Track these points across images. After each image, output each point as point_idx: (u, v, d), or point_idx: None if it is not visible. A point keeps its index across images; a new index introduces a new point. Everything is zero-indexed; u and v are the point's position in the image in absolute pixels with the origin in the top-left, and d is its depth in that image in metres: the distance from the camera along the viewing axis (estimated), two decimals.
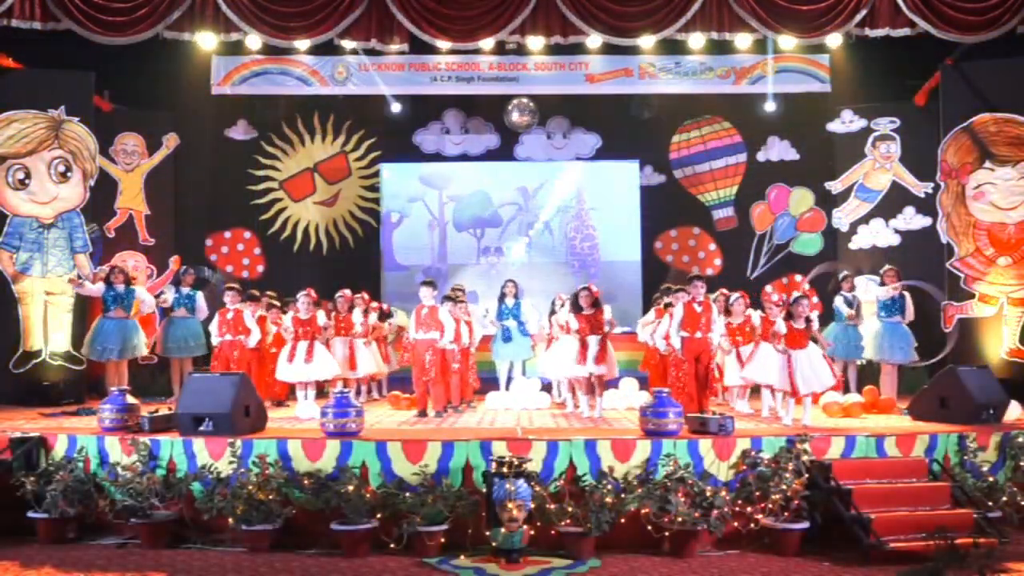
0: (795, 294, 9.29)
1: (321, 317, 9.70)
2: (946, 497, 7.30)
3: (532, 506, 6.86)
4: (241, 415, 7.69)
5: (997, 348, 11.32)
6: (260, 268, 14.17)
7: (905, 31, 10.72)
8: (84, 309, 11.44)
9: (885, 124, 13.10)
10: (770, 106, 13.45)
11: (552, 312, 10.75)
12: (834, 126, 13.42)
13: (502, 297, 11.22)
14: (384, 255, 14.36)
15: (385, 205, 14.40)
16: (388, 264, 14.34)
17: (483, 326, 11.03)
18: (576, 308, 9.53)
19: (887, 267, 11.01)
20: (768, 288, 10.34)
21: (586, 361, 9.41)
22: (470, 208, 14.50)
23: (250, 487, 7.04)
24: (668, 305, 9.77)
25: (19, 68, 11.39)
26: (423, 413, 9.46)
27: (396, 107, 13.63)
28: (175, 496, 7.26)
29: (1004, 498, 7.46)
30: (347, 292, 10.29)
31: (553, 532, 6.96)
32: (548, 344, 10.78)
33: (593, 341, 9.45)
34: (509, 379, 11.15)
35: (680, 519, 6.86)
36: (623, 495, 7.04)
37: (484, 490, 7.05)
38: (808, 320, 8.64)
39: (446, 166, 14.46)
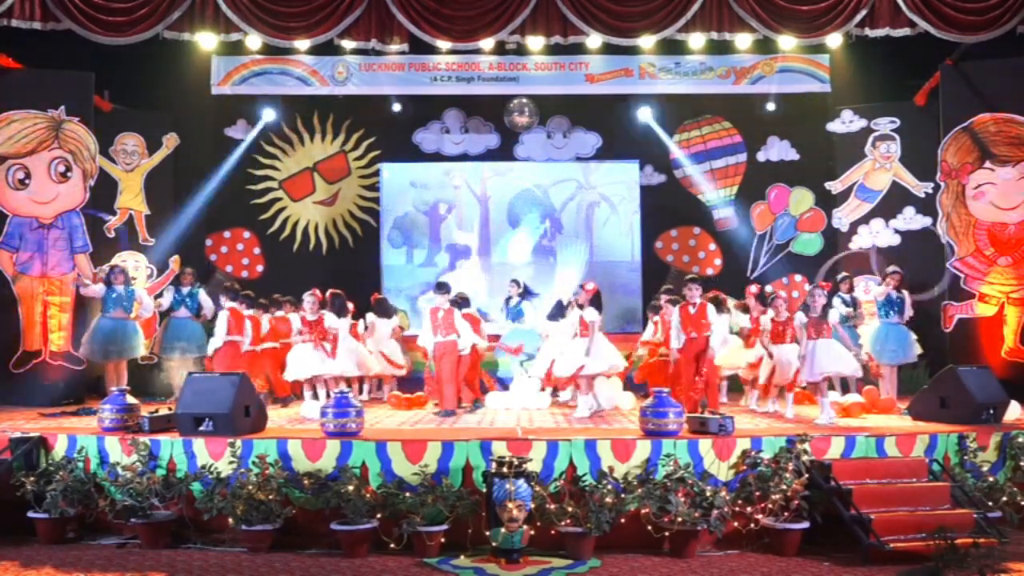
0: (807, 286, 9.38)
1: (330, 319, 9.73)
2: (946, 497, 7.30)
3: (532, 506, 6.87)
4: (241, 415, 7.70)
5: (997, 348, 11.32)
6: (260, 268, 14.17)
7: (905, 31, 10.72)
8: (84, 309, 11.43)
9: (885, 124, 13.10)
10: (771, 106, 13.56)
11: (562, 314, 10.79)
12: (834, 126, 13.42)
13: (508, 297, 11.31)
14: (430, 247, 14.43)
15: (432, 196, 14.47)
16: (430, 259, 14.35)
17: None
18: (599, 307, 9.62)
19: (892, 268, 10.99)
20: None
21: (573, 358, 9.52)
22: (516, 206, 14.53)
23: (250, 487, 7.04)
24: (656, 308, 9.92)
25: (19, 68, 11.38)
26: (451, 412, 9.56)
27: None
28: (175, 496, 7.27)
29: (1004, 498, 7.46)
30: (317, 292, 10.05)
31: (553, 532, 6.96)
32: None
33: (582, 341, 9.54)
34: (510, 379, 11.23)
35: (680, 519, 6.87)
36: (623, 495, 7.04)
37: (484, 490, 7.06)
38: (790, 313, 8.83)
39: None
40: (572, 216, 14.51)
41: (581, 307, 9.61)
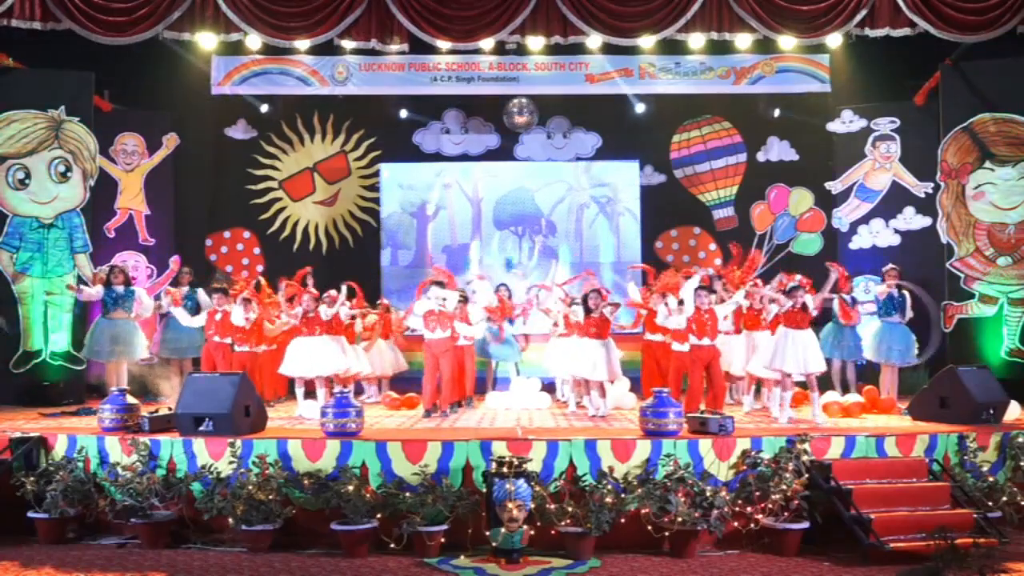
0: (790, 283, 9.18)
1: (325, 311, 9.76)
2: (946, 497, 7.31)
3: (532, 506, 6.88)
4: (241, 415, 7.70)
5: (997, 348, 11.32)
6: (260, 268, 14.16)
7: (905, 31, 10.72)
8: (84, 309, 11.43)
9: (885, 124, 13.09)
10: (776, 112, 13.67)
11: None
12: (834, 126, 13.41)
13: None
14: (417, 248, 14.36)
15: (419, 198, 14.41)
16: (417, 259, 14.29)
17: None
18: (586, 310, 9.57)
19: (889, 266, 11.01)
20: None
21: (596, 363, 9.44)
22: (511, 206, 14.49)
23: (250, 487, 7.05)
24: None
25: (19, 68, 11.38)
26: (430, 412, 9.50)
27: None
28: (175, 496, 7.27)
29: (1004, 498, 7.47)
30: (312, 290, 10.03)
31: (553, 532, 6.97)
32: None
33: (598, 344, 9.48)
34: (496, 379, 11.28)
35: (680, 519, 6.87)
36: (623, 495, 7.05)
37: (484, 490, 7.07)
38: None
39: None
40: (564, 217, 14.49)
41: (589, 310, 9.57)
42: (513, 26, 10.87)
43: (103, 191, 12.24)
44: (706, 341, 8.86)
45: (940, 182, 11.84)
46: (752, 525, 7.13)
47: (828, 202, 13.71)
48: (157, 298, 11.58)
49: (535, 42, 11.42)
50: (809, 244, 14.11)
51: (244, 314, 9.95)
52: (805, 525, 7.04)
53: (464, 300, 10.07)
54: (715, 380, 8.91)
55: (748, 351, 9.64)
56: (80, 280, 11.20)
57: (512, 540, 6.72)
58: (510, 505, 6.71)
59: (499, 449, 7.25)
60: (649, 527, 6.97)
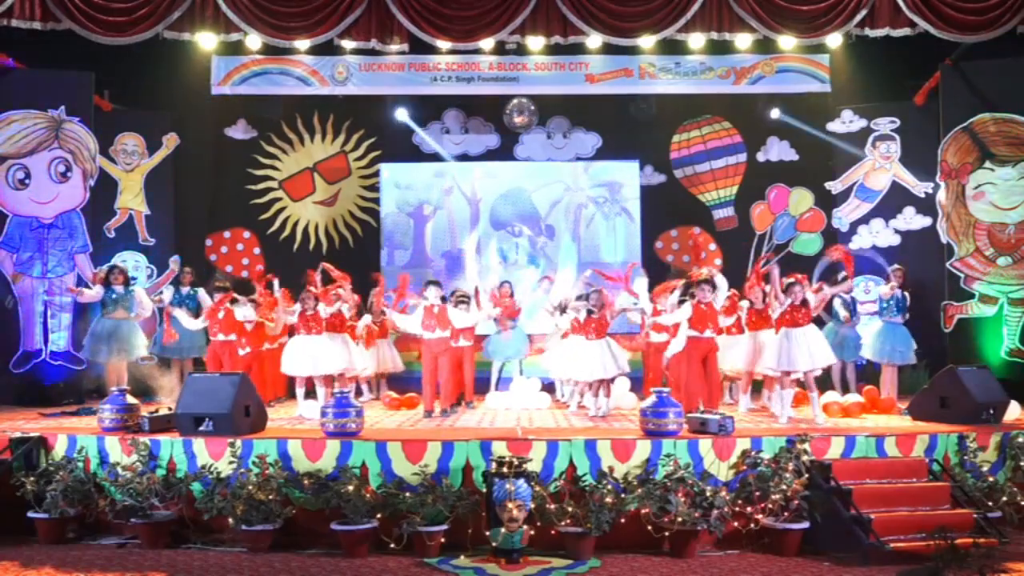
0: (788, 280, 9.14)
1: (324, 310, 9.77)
2: (946, 497, 7.30)
3: (532, 506, 6.88)
4: (241, 415, 7.70)
5: (997, 348, 11.33)
6: (259, 268, 14.15)
7: (905, 31, 10.74)
8: (84, 309, 11.42)
9: (885, 124, 13.09)
10: (775, 113, 13.61)
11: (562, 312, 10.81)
12: (834, 126, 13.41)
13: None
14: (414, 248, 14.34)
15: (416, 198, 14.38)
16: (415, 260, 14.28)
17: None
18: (588, 310, 9.60)
19: (895, 266, 11.00)
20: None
21: (593, 364, 9.46)
22: (510, 206, 14.47)
23: (250, 487, 7.05)
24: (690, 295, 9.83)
25: (19, 68, 11.38)
26: (430, 413, 9.50)
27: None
28: (175, 496, 7.27)
29: (1004, 498, 7.47)
30: (311, 289, 10.00)
31: (553, 532, 6.97)
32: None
33: (596, 344, 9.48)
34: (500, 378, 11.24)
35: (680, 519, 6.87)
36: (623, 495, 7.05)
37: (484, 490, 7.07)
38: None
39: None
40: (563, 217, 14.47)
41: (592, 310, 9.60)
42: (513, 26, 10.88)
43: (103, 191, 12.25)
44: (707, 334, 8.91)
45: (940, 182, 11.85)
46: (752, 525, 7.13)
47: (828, 202, 13.71)
48: (158, 295, 11.59)
49: (535, 42, 11.44)
50: (809, 244, 14.11)
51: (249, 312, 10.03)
52: (805, 525, 7.04)
53: (466, 301, 10.08)
54: (712, 377, 8.93)
55: (752, 352, 9.63)
56: (80, 281, 11.20)
57: (512, 540, 6.72)
58: (510, 505, 6.71)
59: (499, 449, 7.25)
60: (649, 527, 6.97)
